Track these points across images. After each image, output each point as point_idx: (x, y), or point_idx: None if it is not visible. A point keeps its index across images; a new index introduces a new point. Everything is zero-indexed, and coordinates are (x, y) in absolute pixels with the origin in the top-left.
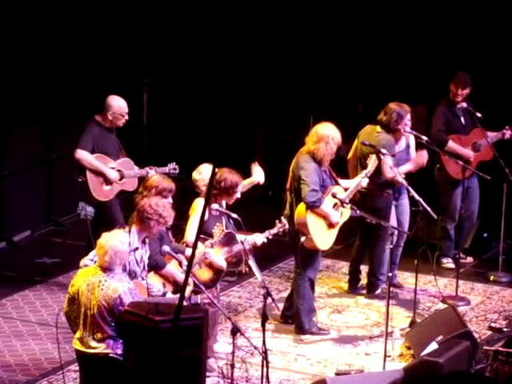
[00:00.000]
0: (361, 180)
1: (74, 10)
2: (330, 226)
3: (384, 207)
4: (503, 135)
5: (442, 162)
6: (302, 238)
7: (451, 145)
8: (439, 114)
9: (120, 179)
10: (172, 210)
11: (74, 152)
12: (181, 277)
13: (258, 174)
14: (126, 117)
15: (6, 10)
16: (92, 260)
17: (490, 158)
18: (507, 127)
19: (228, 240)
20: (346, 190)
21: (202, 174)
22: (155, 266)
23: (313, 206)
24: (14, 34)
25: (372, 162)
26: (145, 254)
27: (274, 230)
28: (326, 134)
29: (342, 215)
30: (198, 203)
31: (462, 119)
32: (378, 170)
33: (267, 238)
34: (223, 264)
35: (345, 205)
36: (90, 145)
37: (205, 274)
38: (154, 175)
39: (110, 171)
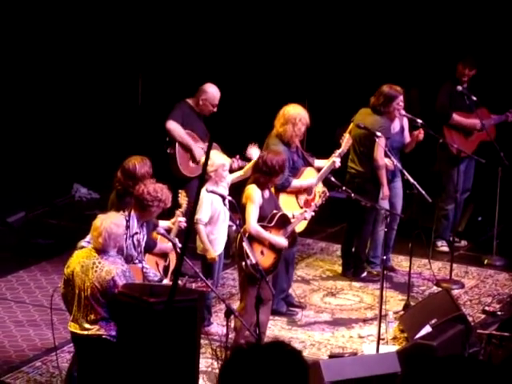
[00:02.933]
0: (334, 160)
1: None
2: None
3: (372, 190)
4: (507, 117)
5: (445, 140)
6: None
7: (456, 117)
8: (445, 91)
9: None
10: (169, 191)
11: (165, 122)
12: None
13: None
14: (215, 109)
15: None
16: (89, 242)
17: (491, 138)
18: (511, 110)
19: (283, 222)
20: (319, 170)
21: (212, 160)
22: (148, 249)
23: (282, 188)
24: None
25: (345, 141)
26: (142, 238)
27: (319, 201)
28: (293, 115)
29: (315, 196)
30: (252, 190)
31: (466, 99)
32: (371, 153)
33: (314, 211)
34: (285, 242)
35: (340, 189)
36: (180, 120)
37: (268, 260)
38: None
39: (198, 149)
